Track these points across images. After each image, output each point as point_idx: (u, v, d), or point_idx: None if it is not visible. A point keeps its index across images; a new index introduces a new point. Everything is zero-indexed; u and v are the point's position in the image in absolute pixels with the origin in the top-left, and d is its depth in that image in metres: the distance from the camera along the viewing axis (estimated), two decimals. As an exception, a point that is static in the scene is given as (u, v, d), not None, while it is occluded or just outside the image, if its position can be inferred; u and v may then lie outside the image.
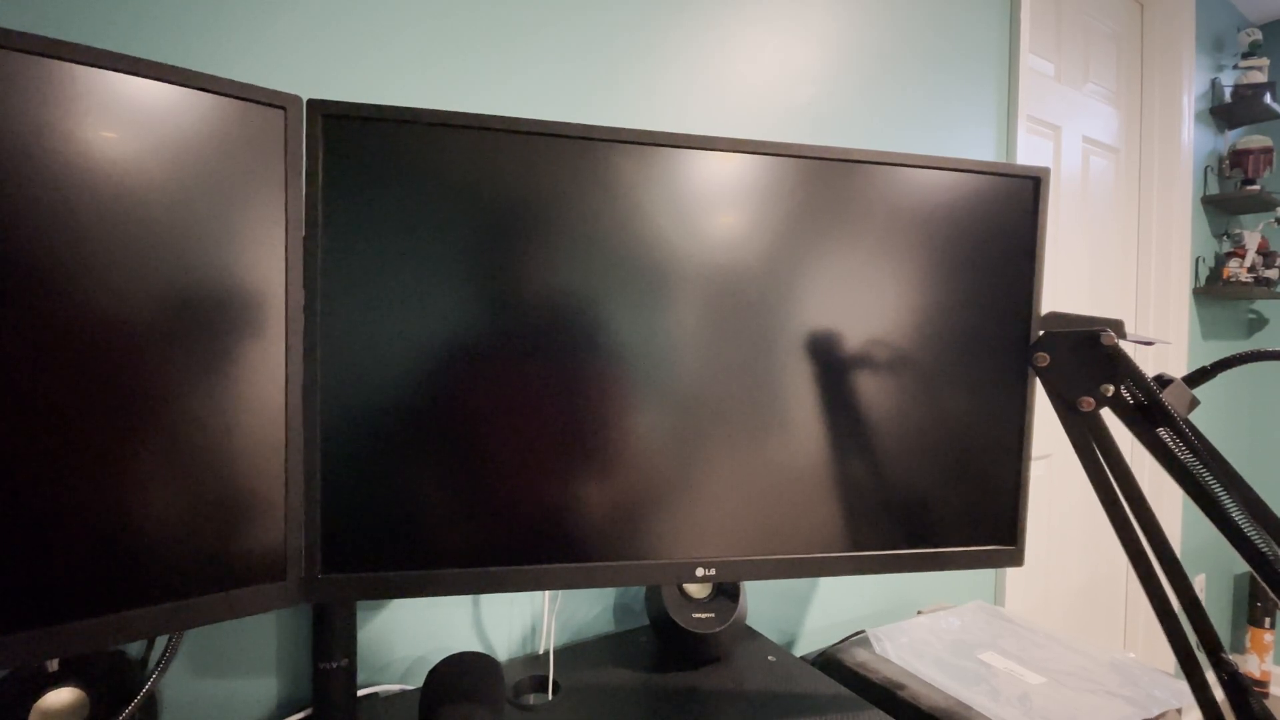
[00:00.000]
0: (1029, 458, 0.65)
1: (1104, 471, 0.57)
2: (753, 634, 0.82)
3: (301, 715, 0.60)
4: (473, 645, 0.73)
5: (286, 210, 0.47)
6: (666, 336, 0.57)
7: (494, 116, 0.53)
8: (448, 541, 0.54)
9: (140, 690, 0.51)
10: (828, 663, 0.83)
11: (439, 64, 0.69)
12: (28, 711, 0.48)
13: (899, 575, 1.20)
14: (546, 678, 0.68)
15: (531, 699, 0.65)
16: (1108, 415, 0.80)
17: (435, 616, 0.71)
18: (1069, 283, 1.55)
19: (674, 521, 0.58)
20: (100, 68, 0.41)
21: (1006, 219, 0.63)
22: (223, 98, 0.45)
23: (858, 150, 0.60)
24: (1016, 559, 0.65)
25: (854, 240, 0.60)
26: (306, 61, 0.63)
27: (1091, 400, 0.57)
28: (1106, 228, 1.66)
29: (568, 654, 0.74)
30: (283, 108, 0.47)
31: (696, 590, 0.74)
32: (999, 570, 1.29)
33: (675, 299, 0.57)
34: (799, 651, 0.99)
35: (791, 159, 0.59)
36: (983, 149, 1.20)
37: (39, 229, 0.39)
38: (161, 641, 0.55)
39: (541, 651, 0.74)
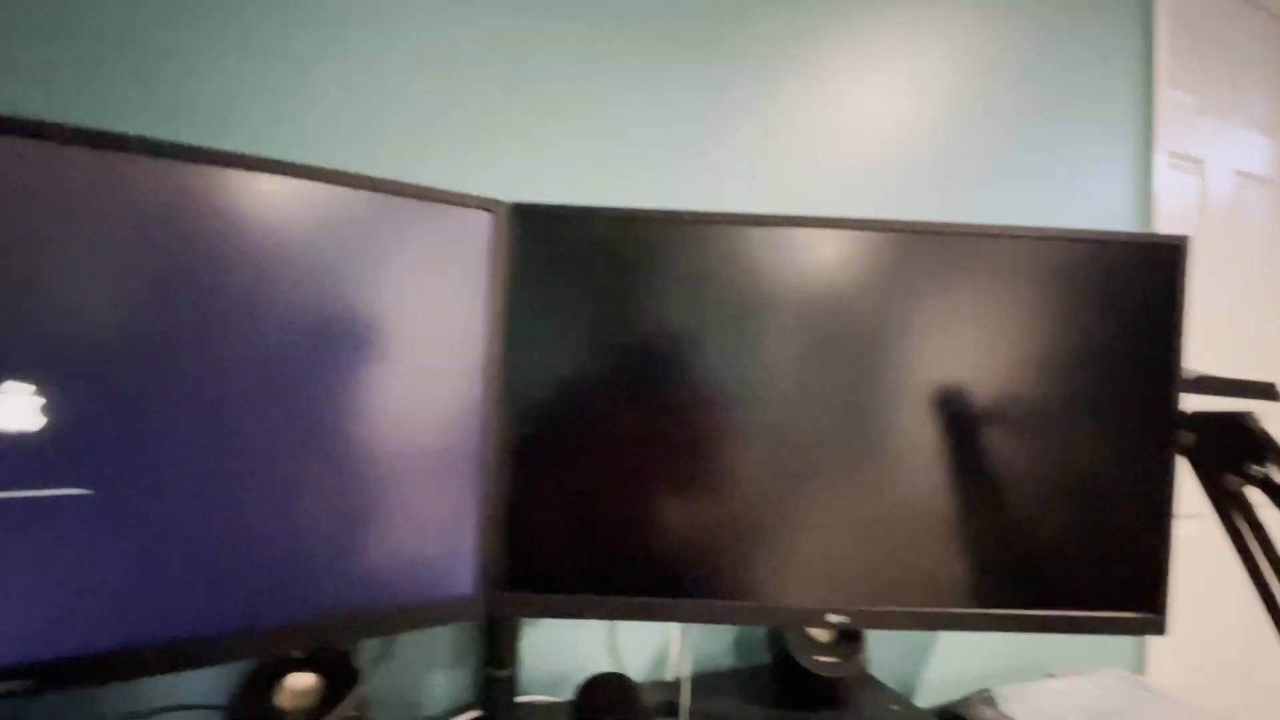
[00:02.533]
0: (1176, 518, 0.63)
1: (1251, 551, 0.56)
2: (873, 681, 0.84)
3: (471, 715, 0.70)
4: (605, 666, 0.81)
5: (491, 290, 0.59)
6: (811, 394, 0.63)
7: (650, 210, 0.62)
8: (613, 572, 0.62)
9: (359, 681, 0.63)
10: (952, 719, 0.83)
11: (607, 168, 0.81)
12: (278, 687, 0.60)
13: (1028, 634, 1.15)
14: (676, 704, 0.73)
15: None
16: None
17: (575, 636, 0.80)
18: (1221, 327, 1.44)
19: (809, 566, 0.63)
20: (359, 189, 0.54)
21: (1146, 286, 0.63)
22: (448, 205, 0.57)
23: (991, 226, 0.63)
24: (1159, 627, 0.64)
25: (984, 303, 0.63)
26: (505, 171, 0.76)
27: (1238, 480, 0.56)
28: (1263, 266, 1.52)
29: (692, 684, 0.80)
30: (491, 210, 0.58)
31: (820, 634, 0.78)
32: (1142, 638, 1.20)
33: (816, 360, 0.63)
34: (919, 703, 0.99)
35: (924, 235, 0.63)
36: (1118, 188, 1.17)
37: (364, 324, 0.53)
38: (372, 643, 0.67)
39: (670, 679, 0.80)
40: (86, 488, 0.45)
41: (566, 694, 0.78)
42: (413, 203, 0.56)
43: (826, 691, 0.77)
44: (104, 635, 0.46)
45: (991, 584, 0.64)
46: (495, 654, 0.67)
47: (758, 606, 0.62)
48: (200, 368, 0.48)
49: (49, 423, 0.44)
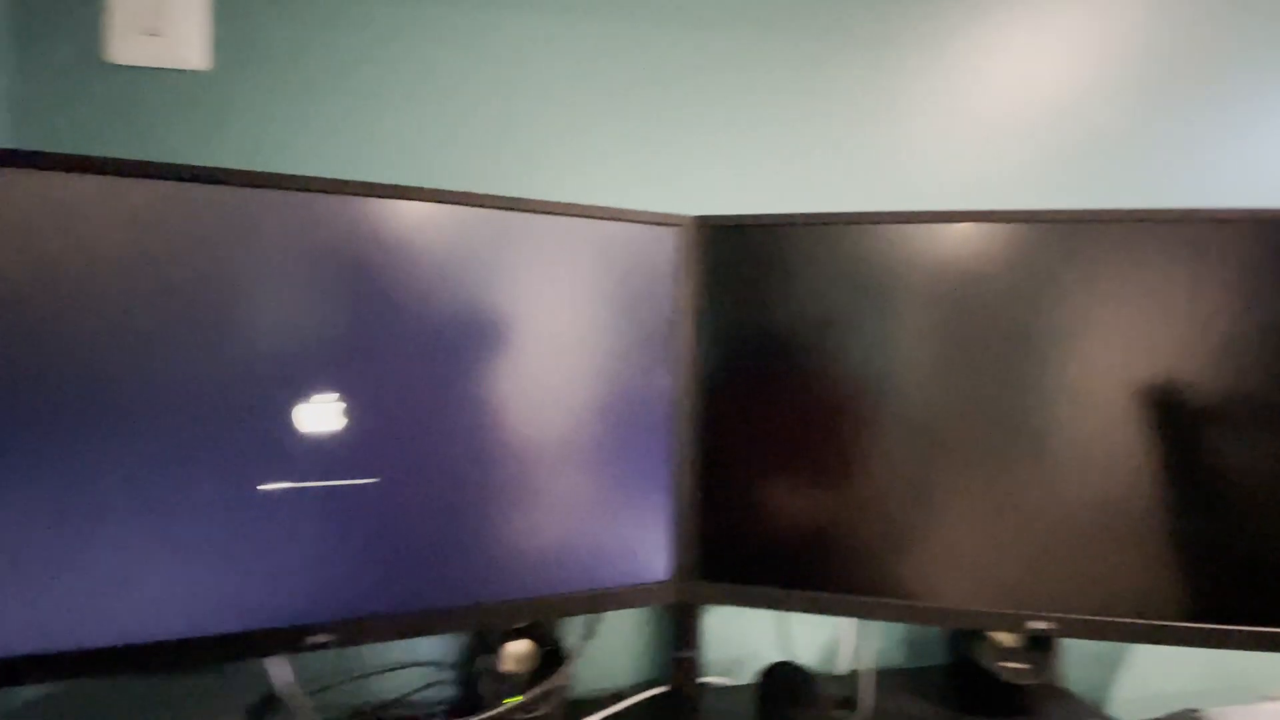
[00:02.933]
0: None
1: None
2: (1062, 692, 0.80)
3: (659, 691, 0.76)
4: (776, 654, 0.84)
5: (678, 298, 0.63)
6: (1003, 392, 0.61)
7: (826, 214, 0.63)
8: (802, 566, 0.65)
9: (566, 654, 0.71)
10: (1157, 737, 0.77)
11: (776, 174, 0.83)
12: (500, 652, 0.69)
13: (1237, 651, 1.03)
14: (854, 698, 0.75)
15: (836, 715, 0.73)
16: None
17: (747, 624, 0.83)
18: None
19: (1009, 571, 0.62)
20: (554, 214, 0.60)
21: None
22: (639, 224, 0.62)
23: (1165, 211, 0.58)
24: None
25: (1169, 292, 0.58)
26: (688, 187, 0.81)
27: None
28: None
29: (863, 679, 0.80)
30: (678, 225, 0.63)
31: (1006, 638, 0.75)
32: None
33: (1004, 356, 0.61)
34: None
35: (1100, 223, 0.59)
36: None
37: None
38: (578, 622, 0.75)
39: (844, 672, 0.82)
40: (376, 477, 0.55)
41: (742, 678, 0.82)
42: (604, 223, 0.61)
43: (1013, 699, 0.75)
44: (376, 600, 0.56)
45: (1213, 596, 0.59)
46: (681, 636, 0.72)
47: (959, 610, 0.62)
48: (456, 377, 0.57)
49: (348, 425, 0.54)
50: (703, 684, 0.78)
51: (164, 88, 0.70)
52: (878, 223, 0.62)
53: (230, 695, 0.61)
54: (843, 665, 0.83)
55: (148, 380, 0.49)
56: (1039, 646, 0.75)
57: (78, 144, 0.69)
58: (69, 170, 0.47)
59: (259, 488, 0.52)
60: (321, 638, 0.54)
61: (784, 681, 0.70)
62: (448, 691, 0.76)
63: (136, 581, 0.49)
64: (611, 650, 0.80)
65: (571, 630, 0.78)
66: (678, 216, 0.63)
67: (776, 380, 0.64)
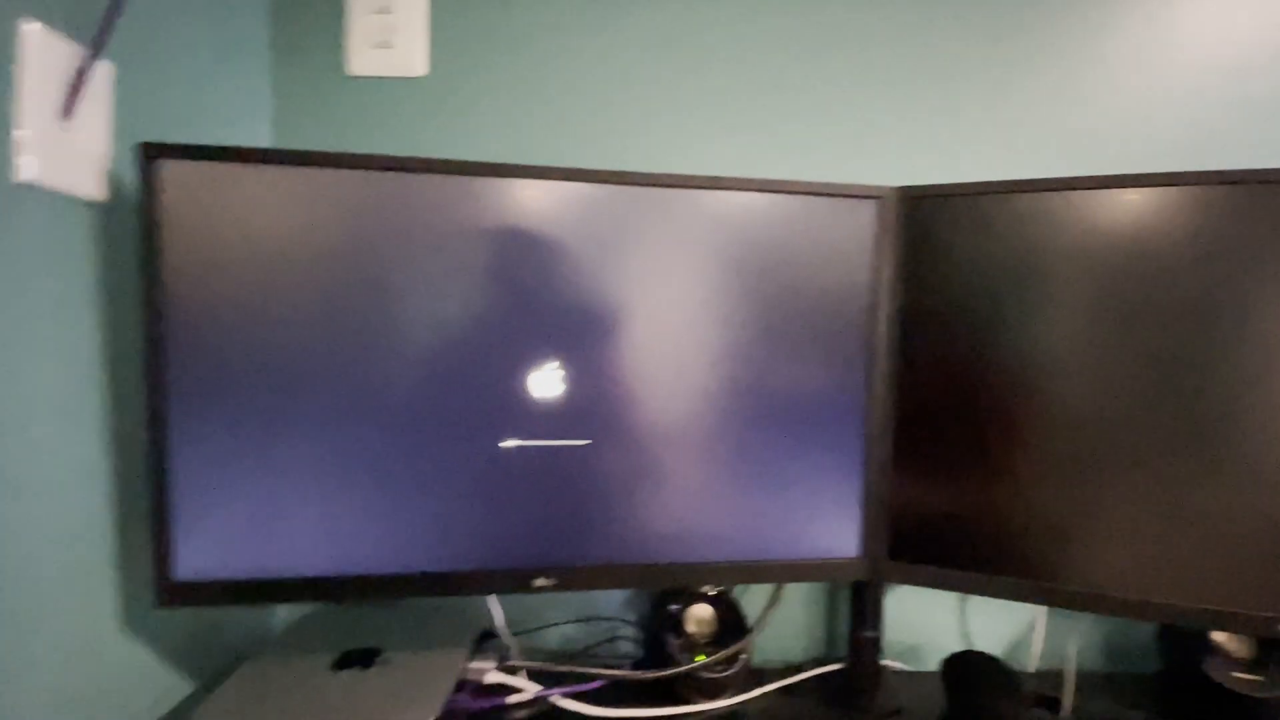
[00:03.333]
0: None
1: None
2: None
3: (836, 668, 0.76)
4: (956, 645, 0.81)
5: (877, 270, 0.63)
6: (1239, 369, 0.56)
7: (1032, 180, 0.60)
8: (995, 549, 0.63)
9: (746, 623, 0.73)
10: None
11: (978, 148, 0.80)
12: (685, 614, 0.73)
13: None
14: (1056, 699, 0.71)
15: (1036, 714, 0.70)
16: None
17: (928, 609, 0.81)
18: None
19: (1250, 566, 0.56)
20: (757, 191, 0.62)
21: None
22: (835, 198, 0.62)
23: None
24: None
25: None
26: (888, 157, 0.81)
27: None
28: None
29: (1055, 680, 0.76)
30: (878, 197, 0.62)
31: (1239, 647, 0.68)
32: None
33: (1242, 335, 0.55)
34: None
35: None
36: None
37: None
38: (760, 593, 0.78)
39: (1031, 670, 0.78)
40: (589, 439, 0.60)
41: (918, 664, 0.80)
42: (798, 198, 0.62)
43: (1243, 712, 0.67)
44: (589, 552, 0.61)
45: None
46: (863, 615, 0.72)
47: (1190, 607, 0.58)
48: (659, 349, 0.61)
49: (566, 390, 0.60)
50: (885, 666, 0.77)
51: (391, 94, 0.80)
52: (1100, 188, 0.58)
53: (460, 626, 0.69)
54: (1030, 662, 0.78)
55: (416, 353, 0.57)
56: (1274, 655, 0.67)
57: (325, 147, 0.80)
58: (327, 167, 0.56)
59: (500, 445, 0.59)
60: (544, 581, 0.60)
61: (976, 671, 0.68)
62: (628, 646, 0.81)
63: (403, 522, 0.58)
64: (785, 624, 0.82)
65: (749, 601, 0.80)
66: (878, 188, 0.62)
67: (975, 357, 0.62)
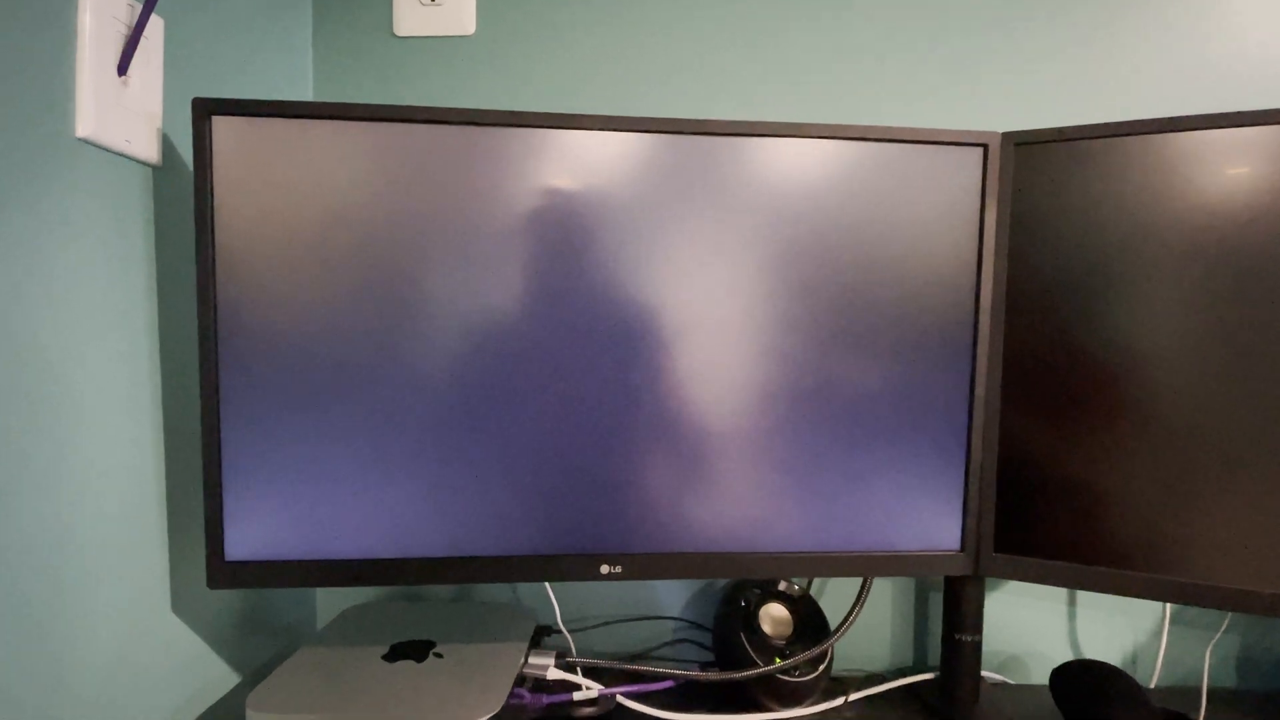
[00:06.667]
0: None
1: None
2: None
3: (926, 677, 0.74)
4: (1064, 655, 0.78)
5: (982, 227, 0.61)
6: None
7: (1179, 118, 0.57)
8: (1121, 539, 0.59)
9: (825, 624, 0.71)
10: None
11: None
12: (759, 610, 0.72)
13: None
14: (1187, 717, 0.67)
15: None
16: None
17: (1031, 616, 0.78)
18: None
19: None
20: (855, 140, 0.60)
21: None
22: (935, 145, 0.60)
23: None
24: None
25: None
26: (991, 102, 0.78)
27: None
28: None
29: (1180, 697, 0.72)
30: (983, 145, 0.60)
31: None
32: None
33: None
34: None
35: None
36: None
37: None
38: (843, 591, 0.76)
39: (1153, 685, 0.74)
40: (659, 416, 0.60)
41: (1021, 676, 0.77)
42: (898, 147, 0.60)
43: None
44: (661, 539, 0.60)
45: None
46: (956, 617, 0.69)
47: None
48: (738, 318, 0.60)
49: (636, 363, 0.59)
50: (984, 677, 0.74)
51: (438, 53, 0.81)
52: (1252, 124, 0.55)
53: (515, 620, 0.69)
54: (1151, 676, 0.74)
55: (477, 323, 0.57)
56: None
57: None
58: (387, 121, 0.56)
59: (567, 423, 0.58)
60: (610, 568, 0.60)
61: (1095, 682, 0.65)
62: (693, 650, 0.80)
63: (461, 504, 0.58)
64: (866, 627, 0.79)
65: (827, 601, 0.78)
66: (983, 133, 0.60)
67: (1095, 324, 0.59)
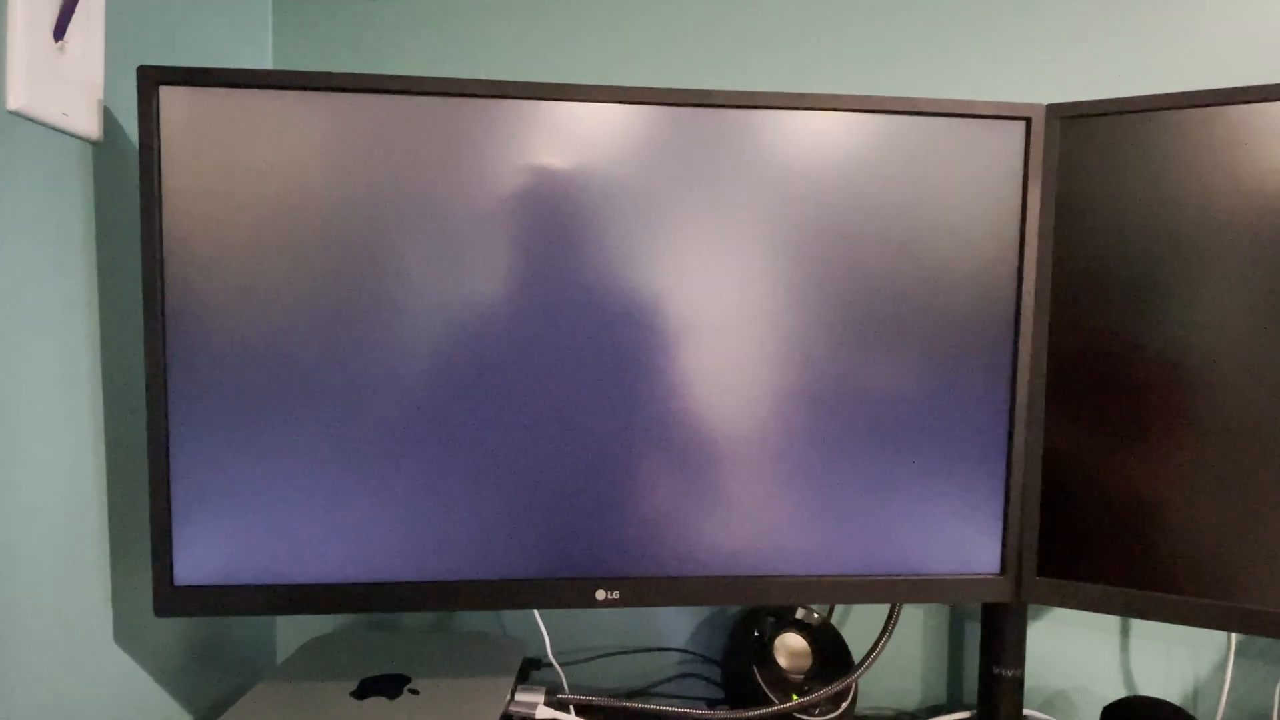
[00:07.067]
0: None
1: None
2: None
3: (962, 716, 0.70)
4: (1115, 692, 0.74)
5: (1024, 209, 0.57)
6: None
7: (1237, 89, 0.54)
8: (1180, 562, 0.56)
9: (848, 656, 0.68)
10: None
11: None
12: (774, 642, 0.69)
13: None
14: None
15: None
16: None
17: (1078, 648, 0.74)
18: None
19: None
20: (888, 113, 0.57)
21: None
22: (972, 119, 0.57)
23: None
24: None
25: None
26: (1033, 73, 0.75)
27: None
28: None
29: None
30: (1026, 118, 0.57)
31: None
32: None
33: None
34: None
35: None
36: None
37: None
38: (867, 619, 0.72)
39: (1218, 725, 0.70)
40: (662, 424, 0.57)
41: (1067, 715, 0.74)
42: (934, 121, 0.57)
43: None
44: (664, 562, 0.57)
45: None
46: (994, 649, 0.66)
47: None
48: (753, 310, 0.57)
49: (635, 363, 0.56)
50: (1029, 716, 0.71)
51: (412, 16, 0.77)
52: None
53: (499, 653, 0.66)
54: (1213, 716, 0.71)
55: (454, 314, 0.54)
56: None
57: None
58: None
59: (557, 429, 0.55)
60: (607, 593, 0.56)
61: (1154, 722, 0.61)
62: (699, 685, 0.77)
63: (440, 521, 0.55)
64: (894, 660, 0.76)
65: (850, 631, 0.75)
66: (1025, 106, 0.57)
67: (1149, 320, 0.55)
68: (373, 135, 0.53)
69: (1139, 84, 0.73)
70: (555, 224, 0.55)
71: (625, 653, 0.77)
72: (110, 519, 0.56)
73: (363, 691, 0.58)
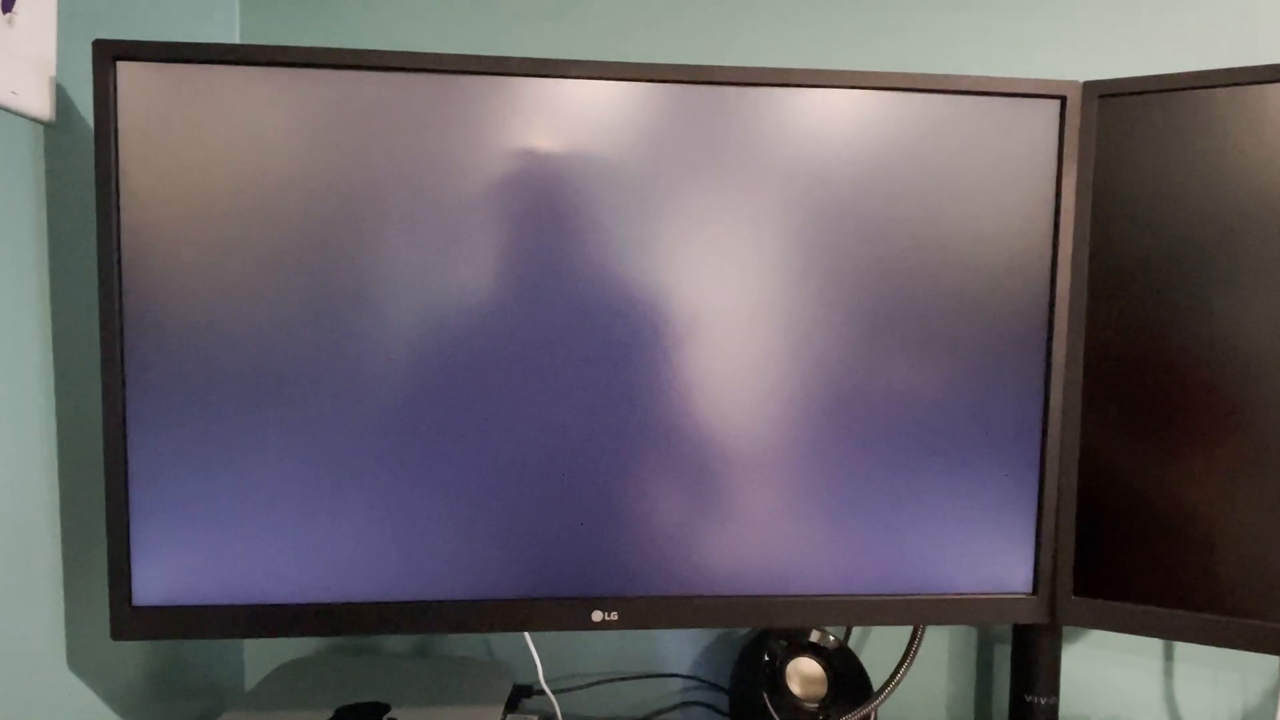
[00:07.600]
0: None
1: None
2: None
3: (991, 747, 0.70)
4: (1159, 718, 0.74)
5: (1058, 196, 0.57)
6: None
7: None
8: (1228, 582, 0.56)
9: (867, 682, 0.68)
10: None
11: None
12: (785, 666, 0.69)
13: None
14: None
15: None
16: None
17: (1116, 671, 0.75)
18: None
19: None
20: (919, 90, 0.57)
21: None
22: (1002, 97, 0.57)
23: None
24: None
25: None
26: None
27: None
28: None
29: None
30: (1061, 97, 0.57)
31: None
32: None
33: None
34: None
35: None
36: None
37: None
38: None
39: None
40: (663, 431, 0.57)
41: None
42: (962, 99, 0.57)
43: None
44: (665, 582, 0.57)
45: None
46: (1025, 674, 0.66)
47: None
48: (772, 314, 0.57)
49: (633, 366, 0.56)
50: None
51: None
52: None
53: (487, 679, 0.66)
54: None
55: (437, 310, 0.54)
56: None
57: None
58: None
59: (550, 438, 0.55)
60: (604, 615, 0.56)
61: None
62: (703, 714, 0.77)
63: (424, 537, 0.55)
64: (917, 686, 0.76)
65: (868, 656, 0.76)
66: (1059, 83, 0.56)
67: (1194, 318, 0.56)
68: (348, 116, 0.53)
69: (1184, 59, 0.72)
70: (550, 212, 0.54)
71: (624, 679, 0.76)
72: (63, 534, 0.55)
73: (338, 722, 0.58)
